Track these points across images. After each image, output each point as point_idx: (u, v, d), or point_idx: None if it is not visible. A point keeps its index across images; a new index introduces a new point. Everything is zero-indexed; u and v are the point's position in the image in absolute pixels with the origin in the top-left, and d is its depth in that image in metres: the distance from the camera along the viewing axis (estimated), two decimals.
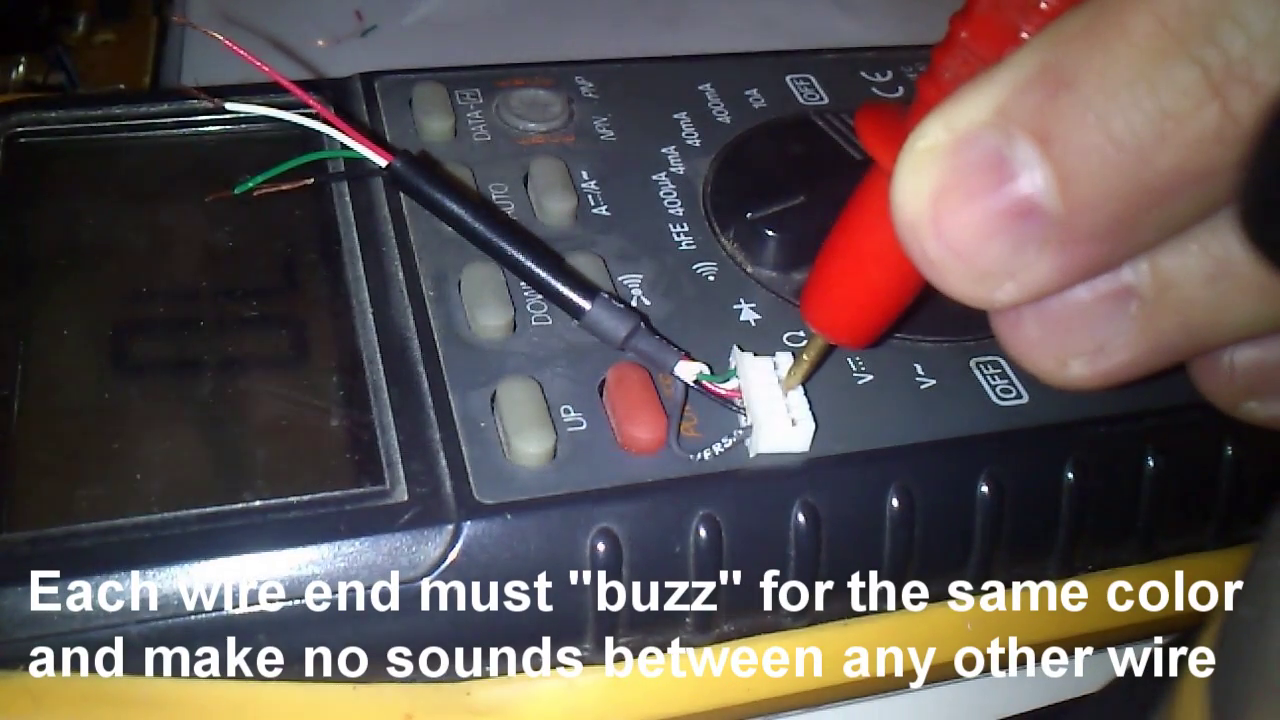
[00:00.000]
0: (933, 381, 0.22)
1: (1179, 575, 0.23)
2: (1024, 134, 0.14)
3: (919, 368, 0.23)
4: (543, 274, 0.22)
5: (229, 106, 0.23)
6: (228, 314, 0.23)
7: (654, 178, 0.26)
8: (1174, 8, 0.13)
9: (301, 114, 0.22)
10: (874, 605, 0.22)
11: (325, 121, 0.22)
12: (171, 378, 0.21)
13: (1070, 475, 0.22)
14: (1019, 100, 0.14)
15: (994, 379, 0.23)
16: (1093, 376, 0.16)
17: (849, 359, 0.23)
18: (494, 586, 0.19)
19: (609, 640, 0.20)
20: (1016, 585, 0.22)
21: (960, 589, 0.22)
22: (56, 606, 0.18)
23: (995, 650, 0.23)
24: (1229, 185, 0.14)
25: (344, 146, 0.22)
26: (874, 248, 0.18)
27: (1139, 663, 0.21)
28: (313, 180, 0.23)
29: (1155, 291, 0.16)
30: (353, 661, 0.19)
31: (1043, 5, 0.15)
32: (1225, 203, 0.14)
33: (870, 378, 0.22)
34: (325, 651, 0.19)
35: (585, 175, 0.26)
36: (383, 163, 0.22)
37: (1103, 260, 0.15)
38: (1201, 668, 0.15)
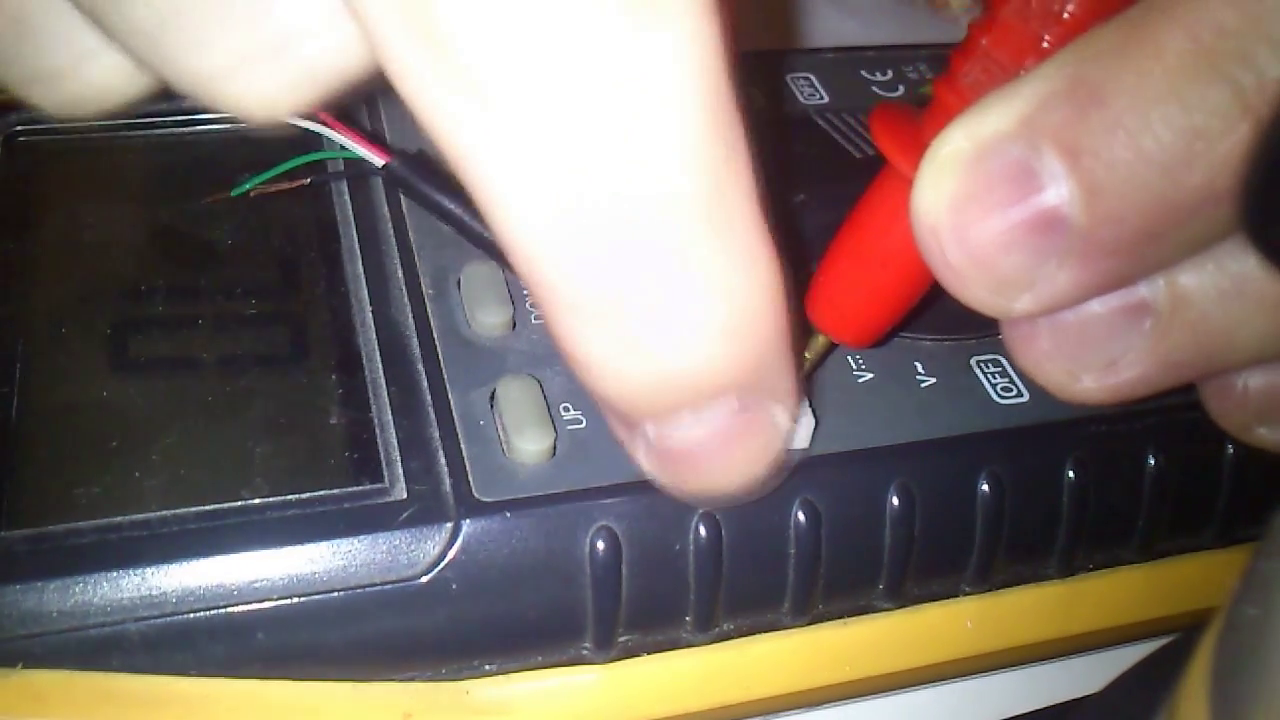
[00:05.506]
0: (933, 380, 0.22)
1: (1179, 575, 0.23)
2: (1052, 147, 0.14)
3: (919, 366, 0.23)
4: None
5: None
6: (227, 312, 0.23)
7: None
8: (1209, 27, 0.13)
9: (300, 114, 0.22)
10: (874, 604, 0.22)
11: (323, 122, 0.22)
12: (171, 376, 0.21)
13: (1071, 474, 0.22)
14: (1048, 113, 0.14)
15: (994, 377, 0.23)
16: (1103, 391, 0.17)
17: (849, 357, 0.23)
18: (493, 584, 0.19)
19: (609, 639, 0.20)
20: (1016, 585, 0.22)
21: (961, 588, 0.22)
22: (56, 605, 0.18)
23: (995, 650, 0.23)
24: None
25: (342, 147, 0.22)
26: (884, 250, 0.18)
27: (1140, 663, 0.21)
28: (310, 181, 0.23)
29: (1170, 308, 0.16)
30: (352, 660, 0.19)
31: (1065, 16, 0.15)
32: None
33: (871, 376, 0.22)
34: (324, 650, 0.19)
35: None
36: (380, 162, 0.22)
37: (1122, 275, 0.15)
38: (1203, 668, 0.15)
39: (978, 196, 0.15)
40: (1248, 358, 0.17)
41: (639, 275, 0.13)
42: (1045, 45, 0.16)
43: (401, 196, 0.24)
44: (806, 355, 0.21)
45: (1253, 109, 0.13)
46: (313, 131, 0.23)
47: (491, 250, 0.22)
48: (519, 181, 0.13)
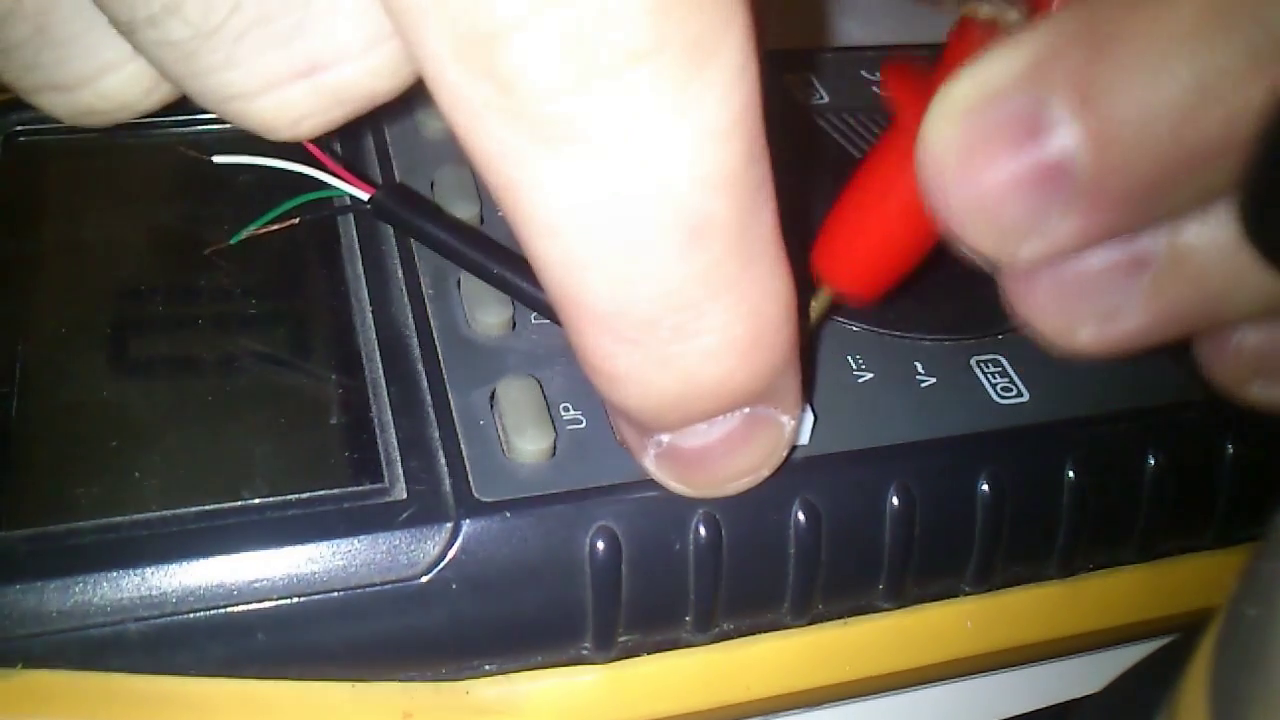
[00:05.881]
0: (933, 380, 0.22)
1: (1179, 576, 0.23)
2: (1060, 95, 0.14)
3: (919, 366, 0.23)
4: (535, 293, 0.22)
5: (216, 160, 0.24)
6: (227, 312, 0.23)
7: None
8: None
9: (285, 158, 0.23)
10: (874, 604, 0.22)
11: (308, 163, 0.22)
12: (170, 376, 0.21)
13: (1071, 474, 0.22)
14: (1057, 61, 0.14)
15: (994, 377, 0.23)
16: (1100, 342, 0.16)
17: (849, 357, 0.23)
18: (493, 584, 0.19)
19: (608, 639, 0.20)
20: (1016, 585, 0.22)
21: (961, 588, 0.22)
22: (56, 605, 0.18)
23: (995, 650, 0.23)
24: None
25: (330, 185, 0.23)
26: (892, 199, 0.18)
27: (1139, 663, 0.21)
28: (298, 220, 0.23)
29: (1172, 260, 0.16)
30: (351, 660, 0.19)
31: None
32: None
33: (870, 376, 0.22)
34: (324, 650, 0.19)
35: None
36: (365, 196, 0.22)
37: (1124, 226, 0.15)
38: (1203, 668, 0.15)
39: (983, 143, 0.15)
40: (1245, 313, 0.17)
41: (675, 295, 0.14)
42: None
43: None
44: (811, 309, 0.20)
45: (1266, 68, 0.13)
46: (296, 172, 0.23)
47: (482, 272, 0.22)
48: (569, 210, 0.14)
